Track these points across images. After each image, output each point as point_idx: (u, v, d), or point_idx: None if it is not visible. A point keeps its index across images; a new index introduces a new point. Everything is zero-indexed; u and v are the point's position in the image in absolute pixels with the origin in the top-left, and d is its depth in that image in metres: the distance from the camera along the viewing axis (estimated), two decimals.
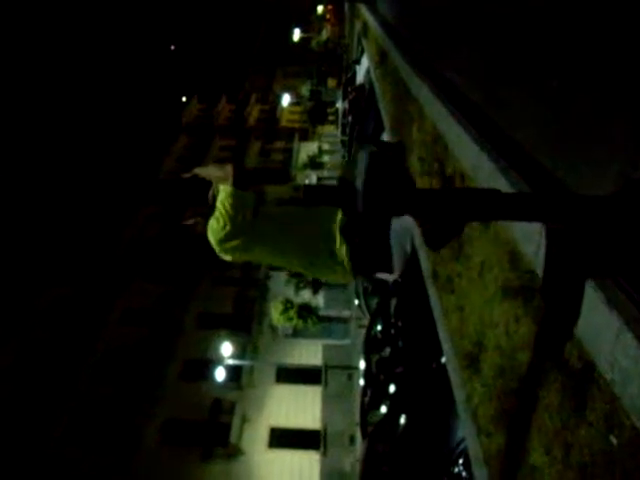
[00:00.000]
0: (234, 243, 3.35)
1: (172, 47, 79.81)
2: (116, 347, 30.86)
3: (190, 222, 3.52)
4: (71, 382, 28.85)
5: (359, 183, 3.14)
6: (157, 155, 51.54)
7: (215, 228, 3.33)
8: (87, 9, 65.12)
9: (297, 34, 62.42)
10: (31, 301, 33.80)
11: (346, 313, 31.09)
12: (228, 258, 3.47)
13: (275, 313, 29.68)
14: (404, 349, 10.09)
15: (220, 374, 25.14)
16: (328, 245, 3.40)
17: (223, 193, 3.32)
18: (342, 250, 3.37)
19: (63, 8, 61.91)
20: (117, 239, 38.71)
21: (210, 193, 3.49)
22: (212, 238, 3.36)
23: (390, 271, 3.71)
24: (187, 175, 3.52)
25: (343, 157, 34.79)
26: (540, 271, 3.56)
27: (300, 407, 28.46)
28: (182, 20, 73.28)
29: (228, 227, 3.29)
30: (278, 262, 3.64)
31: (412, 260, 9.44)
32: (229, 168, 3.39)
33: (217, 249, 3.40)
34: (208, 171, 3.47)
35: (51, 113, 54.16)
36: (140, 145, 50.93)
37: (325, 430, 26.94)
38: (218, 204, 3.32)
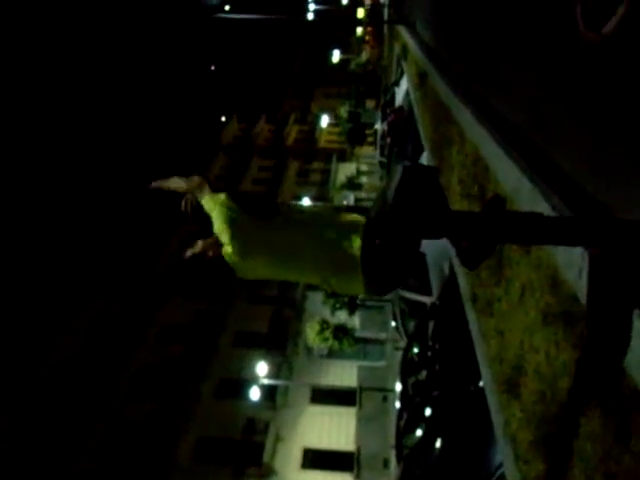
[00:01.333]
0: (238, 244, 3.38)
1: (212, 67, 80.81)
2: (152, 363, 31.07)
3: (193, 252, 3.51)
4: (107, 397, 29.10)
5: (391, 192, 3.15)
6: (196, 174, 51.93)
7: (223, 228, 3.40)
8: (129, 29, 66.27)
9: (336, 55, 62.76)
10: (71, 316, 34.25)
11: (382, 335, 30.96)
12: (239, 265, 3.44)
13: (311, 333, 29.64)
14: (441, 372, 10.01)
15: (255, 393, 25.14)
16: (342, 248, 3.33)
17: (219, 201, 3.44)
18: (356, 251, 3.31)
19: (105, 27, 63.08)
20: (157, 255, 39.05)
21: (185, 204, 3.55)
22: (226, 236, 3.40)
23: (402, 285, 3.64)
24: (154, 186, 3.61)
25: (381, 178, 34.80)
26: (582, 297, 3.51)
27: (334, 428, 28.32)
28: (222, 40, 74.20)
29: (230, 229, 3.38)
30: (278, 269, 3.54)
31: (450, 283, 9.38)
32: (196, 178, 3.56)
33: (233, 251, 3.39)
34: (169, 183, 3.59)
35: (93, 130, 55.15)
36: (180, 164, 51.51)
37: (359, 452, 26.77)
38: (221, 208, 3.42)
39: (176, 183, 3.59)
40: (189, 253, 3.51)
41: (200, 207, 3.50)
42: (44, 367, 30.70)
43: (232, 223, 3.37)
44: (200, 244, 3.50)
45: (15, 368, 29.77)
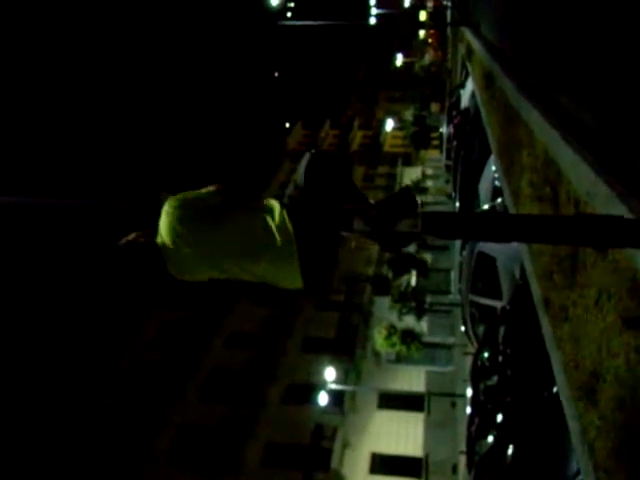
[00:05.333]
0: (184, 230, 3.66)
1: (276, 74, 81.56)
2: (221, 368, 31.45)
3: (126, 239, 3.77)
4: (177, 402, 29.56)
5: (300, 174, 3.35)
6: (262, 181, 52.56)
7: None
8: (194, 38, 67.40)
9: (400, 59, 62.57)
10: (141, 323, 34.93)
11: (450, 339, 30.70)
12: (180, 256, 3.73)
13: (378, 338, 29.60)
14: (513, 378, 9.85)
15: (323, 399, 25.20)
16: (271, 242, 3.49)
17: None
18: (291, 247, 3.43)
19: (172, 35, 64.31)
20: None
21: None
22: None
23: (331, 272, 3.68)
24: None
25: (447, 182, 34.52)
26: None
27: (402, 434, 28.18)
28: (285, 47, 74.83)
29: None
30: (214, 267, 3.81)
31: (522, 287, 9.23)
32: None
33: (173, 227, 3.68)
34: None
35: (161, 135, 56.26)
36: (245, 171, 52.11)
37: (427, 458, 26.58)
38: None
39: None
40: (123, 240, 3.80)
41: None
42: (116, 374, 31.38)
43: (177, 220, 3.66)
44: (133, 234, 3.81)
45: (87, 375, 30.54)
